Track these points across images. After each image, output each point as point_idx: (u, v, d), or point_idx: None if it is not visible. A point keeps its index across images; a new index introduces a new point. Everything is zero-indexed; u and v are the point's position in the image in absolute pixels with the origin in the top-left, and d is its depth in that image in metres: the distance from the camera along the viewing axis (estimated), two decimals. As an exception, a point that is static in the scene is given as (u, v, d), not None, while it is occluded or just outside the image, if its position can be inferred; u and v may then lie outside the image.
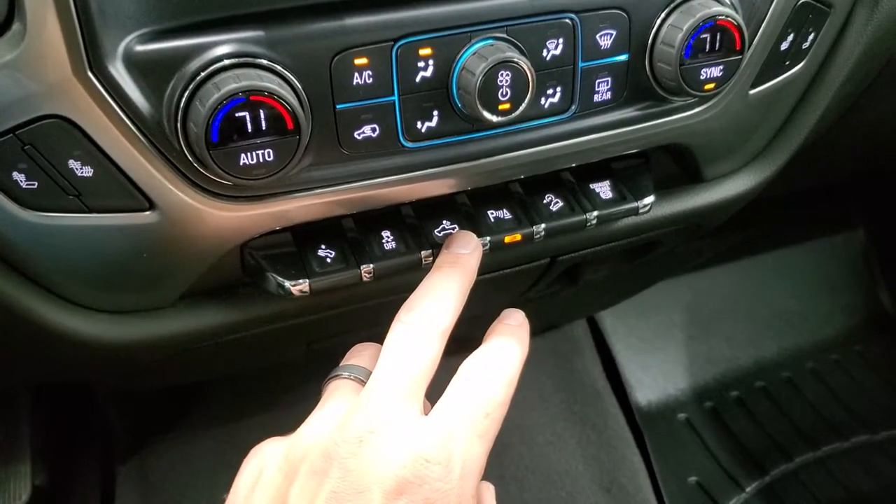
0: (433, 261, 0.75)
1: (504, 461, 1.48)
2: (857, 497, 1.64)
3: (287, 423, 1.46)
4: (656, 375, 1.83)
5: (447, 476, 0.57)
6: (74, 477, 1.44)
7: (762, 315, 1.95)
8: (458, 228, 0.78)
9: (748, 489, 1.66)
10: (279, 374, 1.48)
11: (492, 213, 0.80)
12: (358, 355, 0.69)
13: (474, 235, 0.74)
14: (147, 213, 0.65)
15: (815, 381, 1.88)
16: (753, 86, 0.83)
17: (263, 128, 0.60)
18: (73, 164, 0.62)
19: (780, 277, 2.01)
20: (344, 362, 0.69)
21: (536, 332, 1.63)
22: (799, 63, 0.87)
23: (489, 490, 0.67)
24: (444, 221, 0.79)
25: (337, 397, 0.64)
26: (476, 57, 0.66)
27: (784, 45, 0.82)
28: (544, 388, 1.61)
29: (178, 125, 0.60)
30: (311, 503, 0.57)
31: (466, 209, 0.80)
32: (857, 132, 1.15)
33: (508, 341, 0.67)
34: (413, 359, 0.63)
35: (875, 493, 1.64)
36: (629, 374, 1.80)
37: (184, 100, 0.60)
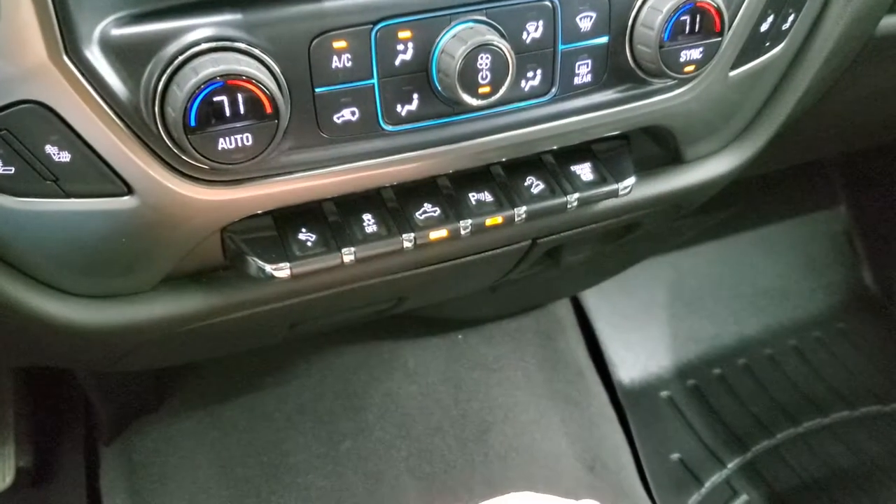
0: (414, 245, 0.76)
1: (488, 440, 1.48)
2: (837, 471, 1.66)
3: (270, 403, 1.48)
4: (639, 353, 1.85)
5: None
6: (58, 458, 1.45)
7: (745, 293, 1.96)
8: (439, 212, 0.78)
9: (730, 465, 1.68)
10: (262, 354, 1.48)
11: (473, 196, 0.80)
12: None
13: None
14: (126, 197, 0.65)
15: (797, 358, 1.89)
16: (734, 67, 0.83)
17: (242, 112, 0.60)
18: (50, 149, 0.61)
19: (762, 255, 2.02)
20: None
21: (520, 311, 1.65)
22: (779, 44, 0.87)
23: None
24: (426, 204, 0.79)
25: None
26: (456, 40, 0.66)
27: (764, 27, 0.83)
28: (528, 367, 1.61)
29: (156, 109, 0.60)
30: None
31: (448, 192, 0.80)
32: (838, 112, 1.15)
33: None
34: None
35: (854, 468, 1.66)
36: (612, 352, 1.81)
37: (161, 84, 0.60)
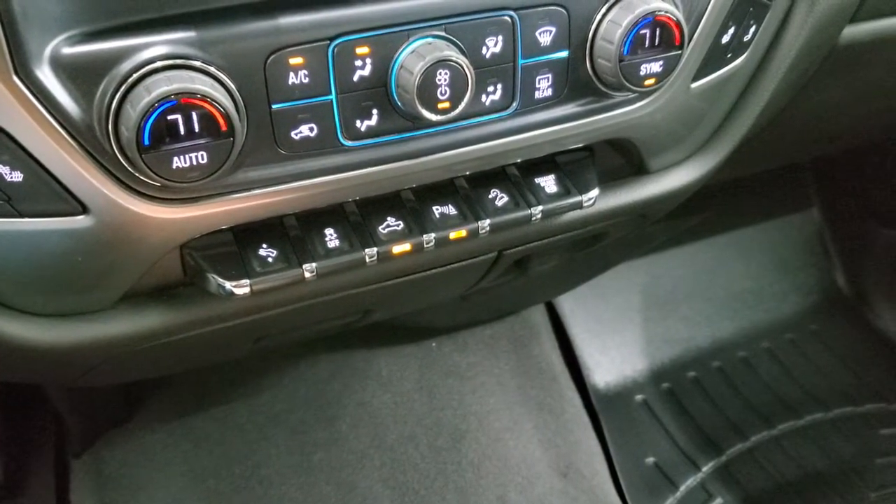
0: (378, 259, 0.75)
1: (461, 447, 1.48)
2: (811, 473, 1.66)
3: (242, 413, 1.47)
4: (614, 357, 1.85)
5: None
6: (28, 472, 1.43)
7: (718, 296, 1.97)
8: (402, 225, 0.78)
9: (704, 469, 1.68)
10: (234, 365, 1.47)
11: (437, 210, 0.80)
12: None
13: None
14: (81, 217, 0.64)
15: (771, 360, 1.90)
16: (695, 79, 0.84)
17: (196, 130, 0.60)
18: (1, 168, 0.60)
19: (735, 258, 2.03)
20: None
21: (494, 318, 1.65)
22: (741, 55, 0.87)
23: None
24: (389, 218, 0.78)
25: None
26: (414, 55, 0.66)
27: (725, 38, 0.83)
28: (502, 374, 1.61)
29: (110, 128, 0.59)
30: None
31: (412, 205, 0.80)
32: (803, 120, 1.16)
33: None
34: None
35: (828, 469, 1.67)
36: (587, 356, 1.81)
37: (114, 103, 0.59)
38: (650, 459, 1.69)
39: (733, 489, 1.64)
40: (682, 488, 1.65)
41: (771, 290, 2.00)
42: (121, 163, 0.61)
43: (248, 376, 1.49)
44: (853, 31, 1.00)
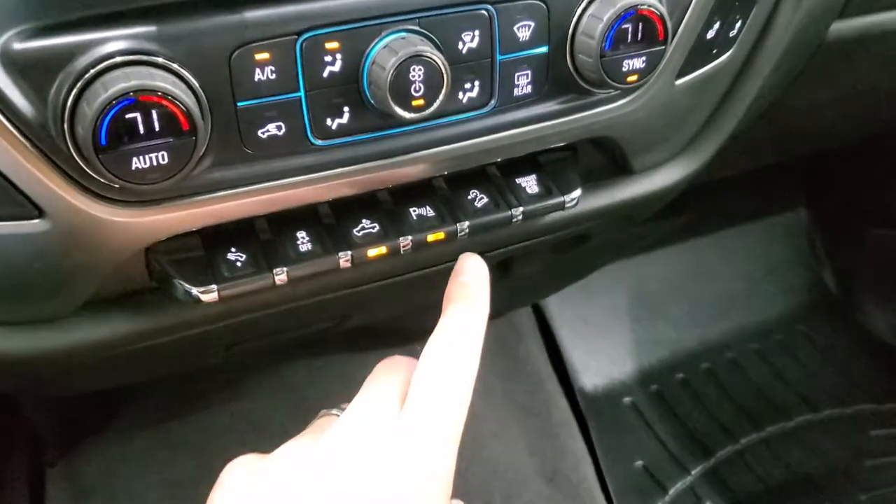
0: (352, 263, 0.73)
1: (446, 454, 1.46)
2: (800, 476, 1.65)
3: (221, 420, 1.44)
4: (602, 360, 1.83)
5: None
6: (1, 482, 1.40)
7: (706, 297, 1.96)
8: (378, 228, 0.75)
9: (693, 472, 1.67)
10: (213, 370, 1.44)
11: (414, 211, 0.77)
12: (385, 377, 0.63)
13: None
14: (36, 220, 0.61)
15: (760, 361, 1.89)
16: (679, 76, 0.81)
17: (156, 129, 0.57)
18: None
19: (724, 259, 2.02)
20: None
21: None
22: (727, 51, 0.85)
23: None
24: (364, 220, 0.76)
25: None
26: (387, 51, 0.63)
27: (710, 34, 0.81)
28: (488, 378, 1.59)
29: (65, 128, 0.57)
30: None
31: (388, 207, 0.77)
32: (791, 118, 1.14)
33: (463, 318, 0.63)
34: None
35: (817, 472, 1.66)
36: (575, 358, 1.80)
37: (70, 101, 0.56)
38: (638, 463, 1.67)
39: (722, 492, 1.63)
40: (671, 492, 1.64)
41: (759, 291, 2.00)
42: (77, 164, 0.58)
43: (227, 382, 1.47)
44: (841, 27, 0.99)
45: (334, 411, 0.66)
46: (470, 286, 0.66)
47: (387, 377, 0.63)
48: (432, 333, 0.64)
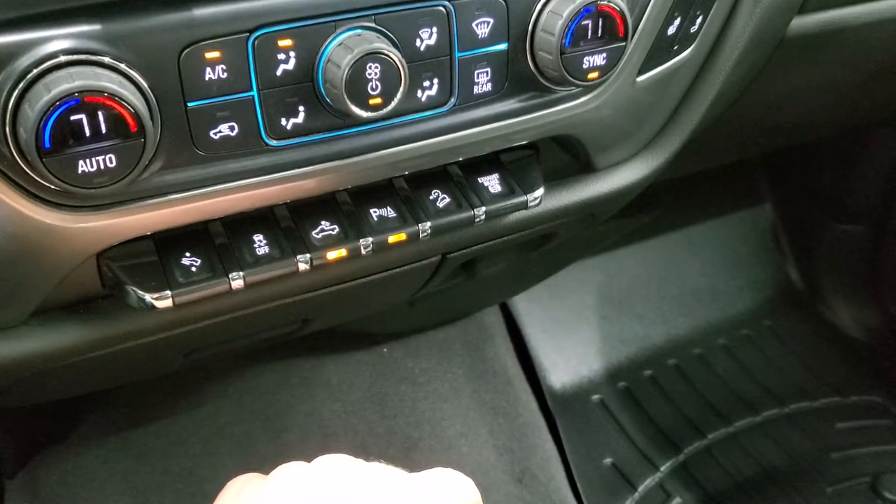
0: (311, 266, 0.71)
1: (414, 456, 1.44)
2: (769, 470, 1.66)
3: (185, 427, 1.41)
4: (570, 357, 1.83)
5: None
6: (-42, 495, 1.36)
7: (673, 293, 1.97)
8: (337, 229, 0.74)
9: (663, 468, 1.67)
10: (174, 377, 1.42)
11: (375, 212, 0.76)
12: None
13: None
14: None
15: (727, 356, 1.90)
16: (641, 72, 0.81)
17: (103, 131, 0.55)
18: None
19: (689, 255, 2.02)
20: None
21: (446, 321, 1.61)
22: (687, 48, 0.85)
23: None
24: (323, 222, 0.74)
25: None
26: (342, 48, 0.62)
27: (671, 30, 0.80)
28: (455, 379, 1.58)
29: (7, 130, 0.55)
30: None
31: (347, 208, 0.75)
32: (754, 114, 1.14)
33: None
34: None
35: (785, 466, 1.67)
36: (543, 357, 1.79)
37: (11, 102, 0.54)
38: (608, 460, 1.67)
39: (692, 488, 1.63)
40: (641, 489, 1.64)
41: (725, 287, 2.00)
42: (21, 168, 0.56)
43: (190, 387, 1.44)
44: (802, 23, 0.99)
45: None
46: None
47: None
48: None
